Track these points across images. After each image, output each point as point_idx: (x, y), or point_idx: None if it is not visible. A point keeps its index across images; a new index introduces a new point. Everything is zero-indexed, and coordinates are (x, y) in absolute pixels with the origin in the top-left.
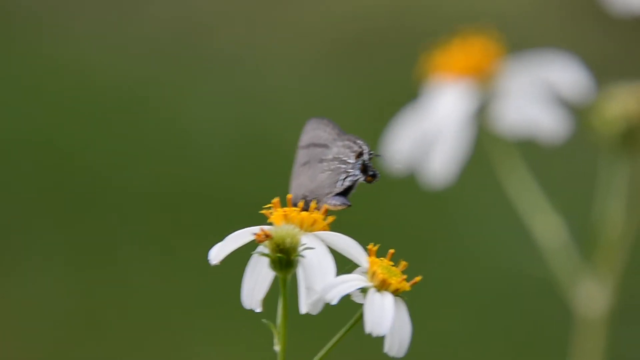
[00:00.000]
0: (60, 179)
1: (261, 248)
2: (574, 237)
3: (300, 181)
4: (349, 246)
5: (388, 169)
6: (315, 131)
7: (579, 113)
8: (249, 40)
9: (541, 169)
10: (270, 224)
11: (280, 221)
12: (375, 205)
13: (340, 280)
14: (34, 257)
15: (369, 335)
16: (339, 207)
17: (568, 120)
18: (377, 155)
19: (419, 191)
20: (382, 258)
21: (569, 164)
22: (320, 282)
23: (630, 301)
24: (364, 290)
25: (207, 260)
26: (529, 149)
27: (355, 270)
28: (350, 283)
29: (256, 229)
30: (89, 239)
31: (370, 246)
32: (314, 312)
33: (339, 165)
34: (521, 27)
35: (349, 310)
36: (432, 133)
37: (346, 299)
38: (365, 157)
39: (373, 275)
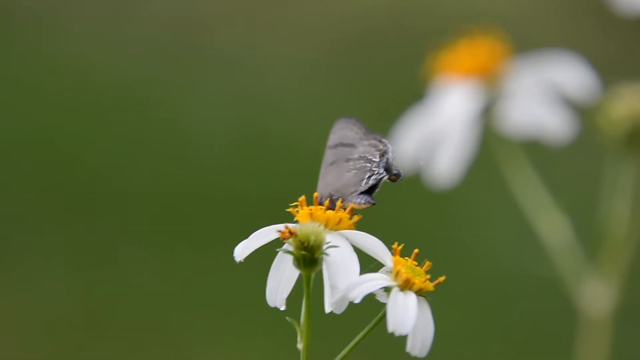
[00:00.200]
0: (60, 179)
1: (285, 246)
2: (579, 237)
3: (327, 180)
4: (374, 245)
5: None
6: (342, 131)
7: (585, 113)
8: (249, 40)
9: (546, 169)
10: (295, 221)
11: (306, 219)
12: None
13: (364, 279)
14: (34, 257)
15: (392, 334)
16: (364, 206)
17: (573, 121)
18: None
19: (421, 191)
20: (406, 258)
21: (574, 164)
22: (344, 281)
23: (635, 301)
24: (387, 290)
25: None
26: (534, 149)
27: (379, 270)
28: (374, 282)
29: (281, 226)
30: (89, 239)
31: (394, 245)
32: (338, 311)
33: (364, 164)
34: (521, 27)
35: (367, 309)
36: (438, 133)
37: (369, 298)
38: (390, 155)
39: (397, 274)
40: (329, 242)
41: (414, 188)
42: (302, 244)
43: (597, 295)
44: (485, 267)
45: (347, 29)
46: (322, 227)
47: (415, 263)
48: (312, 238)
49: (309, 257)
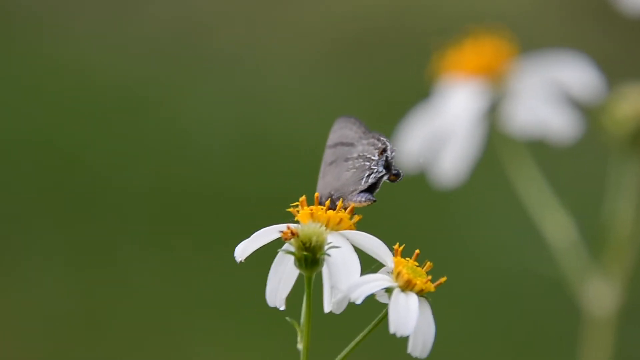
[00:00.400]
0: (60, 179)
1: (286, 246)
2: (583, 237)
3: (327, 180)
4: (375, 246)
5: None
6: (342, 130)
7: (590, 113)
8: (249, 40)
9: (551, 169)
10: (296, 222)
11: (307, 219)
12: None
13: (365, 279)
14: (34, 257)
15: (393, 335)
16: (365, 204)
17: (578, 121)
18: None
19: (421, 190)
20: (407, 258)
21: (578, 164)
22: (345, 281)
23: (639, 301)
24: (388, 290)
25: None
26: (539, 149)
27: (380, 270)
28: (375, 283)
29: (283, 226)
30: (89, 239)
31: (396, 246)
32: (337, 311)
33: (363, 163)
34: (521, 27)
35: (367, 310)
36: (443, 132)
37: (369, 298)
38: (389, 153)
39: (398, 275)
40: (330, 243)
41: (415, 188)
42: (304, 244)
43: (600, 295)
44: (485, 267)
45: (347, 29)
46: (323, 228)
47: (416, 264)
48: (314, 239)
49: (311, 258)
